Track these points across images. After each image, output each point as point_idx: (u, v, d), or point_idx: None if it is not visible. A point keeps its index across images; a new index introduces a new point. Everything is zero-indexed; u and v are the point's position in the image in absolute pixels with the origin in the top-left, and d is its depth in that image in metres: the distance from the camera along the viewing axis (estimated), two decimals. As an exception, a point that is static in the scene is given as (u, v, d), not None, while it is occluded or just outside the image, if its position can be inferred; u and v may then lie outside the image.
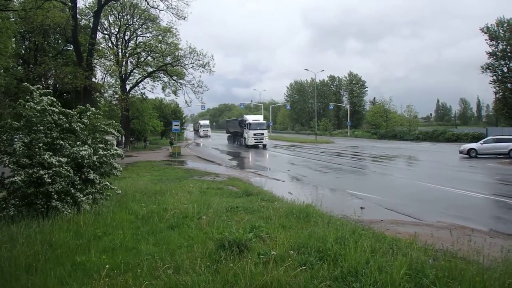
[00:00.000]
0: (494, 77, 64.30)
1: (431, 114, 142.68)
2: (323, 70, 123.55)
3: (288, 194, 15.31)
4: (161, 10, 44.39)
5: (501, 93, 64.47)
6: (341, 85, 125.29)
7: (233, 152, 48.70)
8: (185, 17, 41.25)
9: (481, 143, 35.36)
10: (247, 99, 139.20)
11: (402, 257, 6.24)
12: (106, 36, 48.15)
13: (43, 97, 10.91)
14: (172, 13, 41.66)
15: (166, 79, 49.79)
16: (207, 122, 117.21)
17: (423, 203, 15.43)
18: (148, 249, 7.15)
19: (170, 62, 47.46)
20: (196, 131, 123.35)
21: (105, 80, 46.67)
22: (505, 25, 62.68)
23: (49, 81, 38.92)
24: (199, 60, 46.68)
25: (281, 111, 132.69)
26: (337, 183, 21.15)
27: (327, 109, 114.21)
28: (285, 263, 5.99)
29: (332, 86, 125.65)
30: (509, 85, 61.37)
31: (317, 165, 29.93)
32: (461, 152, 35.51)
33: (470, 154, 34.35)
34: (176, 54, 46.80)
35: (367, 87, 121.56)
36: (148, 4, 43.54)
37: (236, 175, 23.64)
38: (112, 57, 44.81)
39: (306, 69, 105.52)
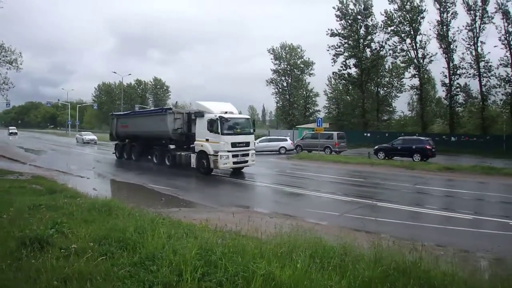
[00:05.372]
0: (276, 90, 72.13)
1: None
2: (130, 74, 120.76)
3: (92, 190, 14.59)
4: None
5: (280, 103, 72.49)
6: (146, 89, 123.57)
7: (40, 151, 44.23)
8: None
9: (257, 142, 38.57)
10: (55, 98, 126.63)
11: (194, 240, 6.49)
12: None
13: None
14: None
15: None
16: None
17: (215, 195, 16.28)
18: None
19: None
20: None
21: None
22: (287, 48, 70.57)
23: None
24: (6, 57, 41.04)
25: (88, 111, 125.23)
26: (139, 179, 20.92)
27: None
28: (86, 255, 5.70)
29: (138, 89, 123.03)
30: (287, 96, 68.37)
31: (123, 163, 28.82)
32: None
33: None
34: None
35: (170, 92, 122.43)
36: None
37: (41, 174, 21.57)
38: None
39: (114, 72, 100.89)
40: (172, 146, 25.58)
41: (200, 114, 22.13)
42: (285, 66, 71.47)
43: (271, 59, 71.64)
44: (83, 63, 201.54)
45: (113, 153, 31.31)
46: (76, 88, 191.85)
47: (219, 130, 20.69)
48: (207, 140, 21.28)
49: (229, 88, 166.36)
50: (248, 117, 25.39)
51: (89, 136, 58.07)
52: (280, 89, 72.22)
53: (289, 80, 72.09)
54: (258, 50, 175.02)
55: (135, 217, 8.56)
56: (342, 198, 15.40)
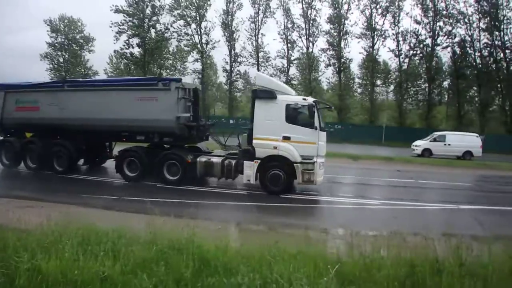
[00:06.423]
0: (51, 66, 65.29)
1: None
2: None
3: None
4: None
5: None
6: None
7: None
8: None
9: None
10: None
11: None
12: None
13: None
14: None
15: None
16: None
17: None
18: None
19: None
20: None
21: None
22: (66, 21, 64.62)
23: None
24: None
25: None
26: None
27: None
28: None
29: None
30: (63, 73, 62.91)
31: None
32: None
33: None
34: None
35: None
36: None
37: None
38: None
39: None
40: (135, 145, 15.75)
41: (270, 94, 13.88)
42: (63, 40, 65.90)
43: (48, 31, 65.15)
44: None
45: None
46: None
47: (317, 123, 13.48)
48: (286, 138, 13.59)
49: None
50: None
51: None
52: (56, 65, 66.12)
53: (66, 56, 66.74)
54: (36, 21, 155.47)
55: None
56: (123, 182, 15.19)
